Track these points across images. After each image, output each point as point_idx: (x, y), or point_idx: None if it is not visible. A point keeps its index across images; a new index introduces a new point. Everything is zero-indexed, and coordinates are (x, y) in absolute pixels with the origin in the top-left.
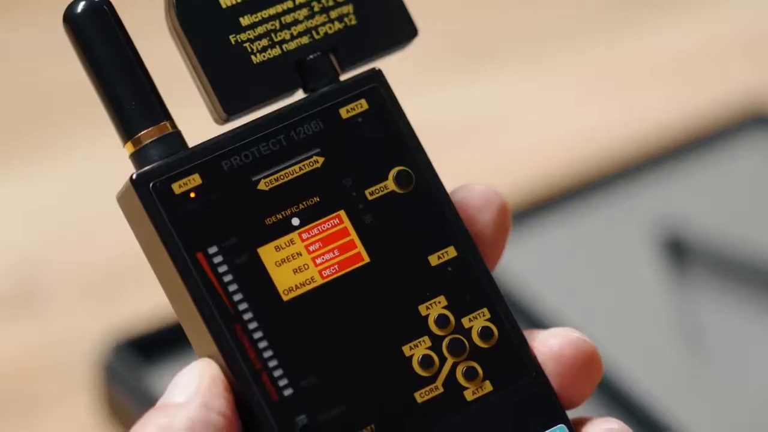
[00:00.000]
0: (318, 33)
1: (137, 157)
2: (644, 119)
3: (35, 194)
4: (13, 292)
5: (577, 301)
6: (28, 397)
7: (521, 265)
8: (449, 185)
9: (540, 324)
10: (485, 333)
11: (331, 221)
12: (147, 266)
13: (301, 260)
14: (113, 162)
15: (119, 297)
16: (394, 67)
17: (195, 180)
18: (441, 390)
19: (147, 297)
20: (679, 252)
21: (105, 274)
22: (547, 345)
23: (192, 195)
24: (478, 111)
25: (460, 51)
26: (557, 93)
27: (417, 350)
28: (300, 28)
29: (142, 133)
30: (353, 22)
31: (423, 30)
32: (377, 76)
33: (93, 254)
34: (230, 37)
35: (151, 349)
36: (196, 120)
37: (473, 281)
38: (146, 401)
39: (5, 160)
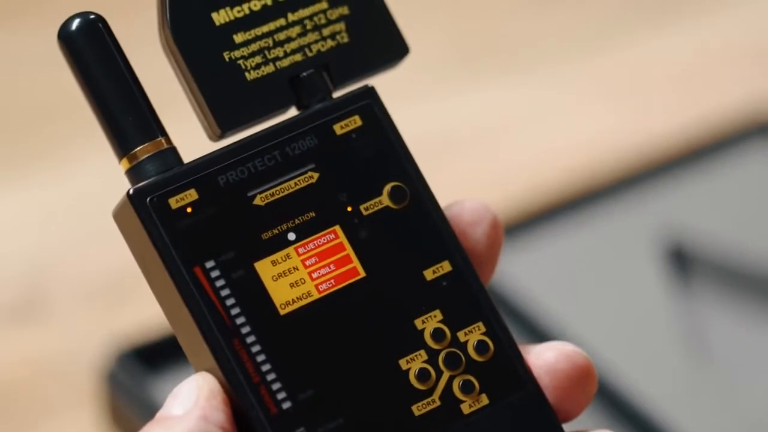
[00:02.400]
0: (311, 50)
1: (133, 173)
2: (647, 128)
3: (40, 203)
4: (17, 301)
5: (581, 310)
6: (31, 406)
7: (525, 275)
8: (453, 195)
9: (543, 334)
10: (481, 346)
11: (327, 236)
12: None
13: (298, 274)
14: (118, 171)
15: (123, 306)
16: (393, 74)
17: (191, 195)
18: (438, 403)
19: (150, 306)
20: (683, 261)
21: (109, 283)
22: (543, 358)
23: (189, 210)
24: (480, 119)
25: (462, 58)
26: (560, 101)
27: (413, 364)
28: (293, 45)
29: (138, 149)
30: (345, 39)
31: (424, 37)
32: (370, 92)
33: (97, 263)
34: (224, 54)
35: (154, 359)
36: (190, 136)
37: (468, 295)
38: (149, 410)
39: (10, 168)
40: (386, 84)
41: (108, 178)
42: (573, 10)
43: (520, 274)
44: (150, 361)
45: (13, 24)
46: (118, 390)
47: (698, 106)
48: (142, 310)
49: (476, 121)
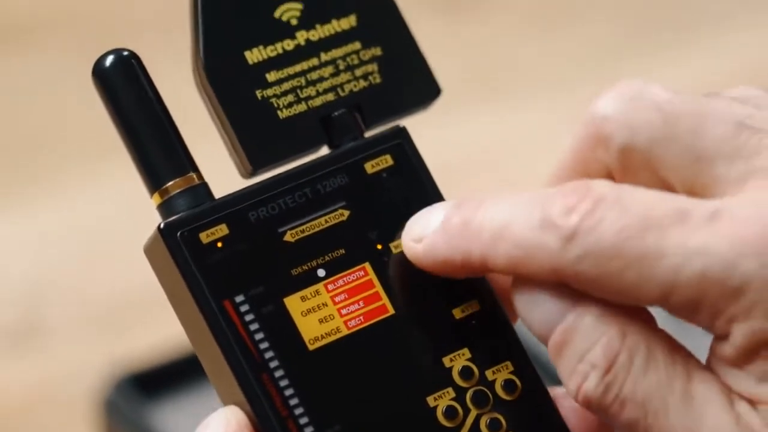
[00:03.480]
0: (343, 90)
1: (164, 208)
2: None
3: (39, 227)
4: (16, 326)
5: None
6: (29, 431)
7: None
8: None
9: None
10: (509, 385)
11: (357, 273)
12: (150, 301)
13: (327, 311)
14: (118, 195)
15: (122, 332)
16: None
17: (222, 230)
18: None
19: (149, 332)
20: None
21: (108, 308)
22: (571, 400)
23: (219, 245)
24: (480, 147)
25: (461, 86)
26: (559, 130)
27: (441, 401)
28: (325, 85)
29: (169, 184)
30: (378, 80)
31: (433, 65)
32: (402, 132)
33: (96, 288)
34: (257, 92)
35: (152, 386)
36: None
37: (497, 335)
38: None
39: (10, 192)
40: None
41: (109, 202)
42: (573, 37)
43: None
44: (148, 388)
45: (10, 50)
46: (116, 417)
47: None
48: (141, 337)
49: (474, 149)
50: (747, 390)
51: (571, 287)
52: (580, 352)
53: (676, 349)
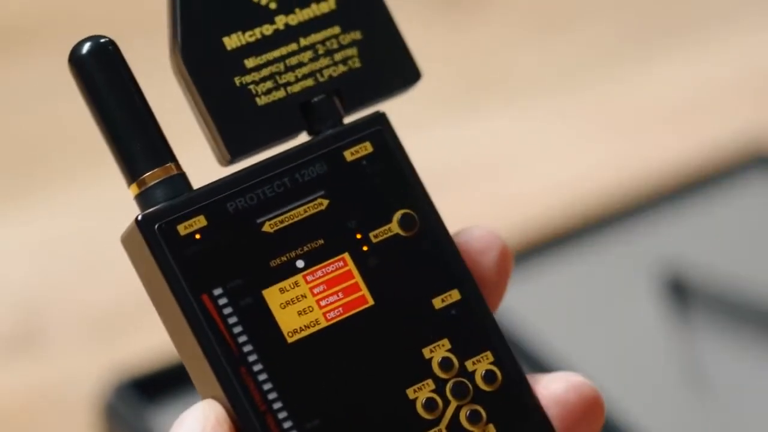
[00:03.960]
0: (322, 75)
1: (142, 199)
2: (645, 159)
3: (37, 233)
4: (14, 332)
5: (579, 342)
6: None
7: (523, 307)
8: (453, 225)
9: (542, 366)
10: (489, 376)
11: (336, 264)
12: (149, 306)
13: (306, 302)
14: (116, 202)
15: (121, 337)
16: (394, 107)
17: (200, 222)
18: None
19: (149, 337)
20: (681, 292)
21: (107, 313)
22: (551, 389)
23: (197, 237)
24: (480, 151)
25: (461, 90)
26: (559, 132)
27: (421, 393)
28: (304, 70)
29: (147, 174)
30: (357, 65)
31: (423, 69)
32: (381, 119)
33: (95, 294)
34: (235, 79)
35: (153, 389)
36: (200, 162)
37: (477, 324)
38: None
39: (6, 198)
40: (388, 116)
41: (106, 208)
42: (573, 41)
43: (519, 306)
44: (148, 392)
45: (9, 57)
46: (116, 421)
47: (697, 138)
48: (141, 341)
49: (474, 153)
50: None
51: None
52: None
53: None
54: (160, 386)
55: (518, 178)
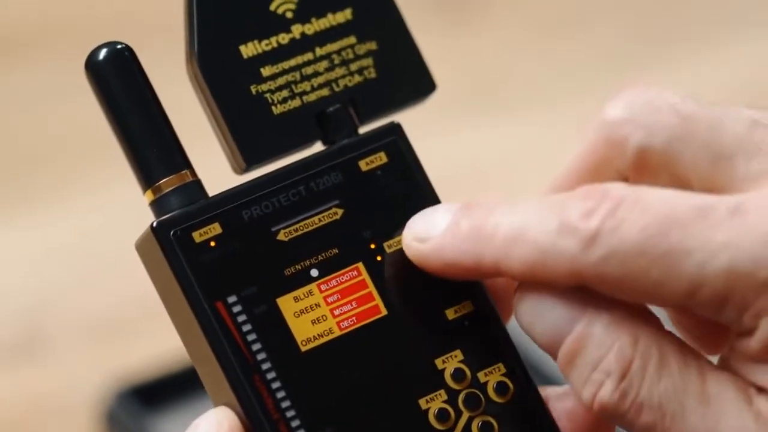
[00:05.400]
0: (338, 85)
1: (157, 206)
2: None
3: (38, 240)
4: (16, 339)
5: None
6: None
7: None
8: None
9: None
10: (501, 388)
11: (350, 273)
12: (150, 313)
13: (320, 311)
14: (117, 209)
15: (122, 344)
16: (402, 114)
17: (215, 229)
18: None
19: (150, 344)
20: None
21: (108, 321)
22: (563, 402)
23: (212, 244)
24: (479, 157)
25: (460, 96)
26: (559, 138)
27: (433, 404)
28: (320, 80)
29: (163, 181)
30: (373, 75)
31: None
32: (396, 129)
33: (96, 301)
34: (251, 87)
35: (153, 397)
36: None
37: (489, 336)
38: None
39: (8, 205)
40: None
41: (107, 216)
42: (571, 49)
43: None
44: (149, 399)
45: (10, 62)
46: (117, 429)
47: None
48: (141, 349)
49: (471, 160)
50: None
51: (586, 292)
52: (594, 361)
53: (687, 350)
54: (160, 393)
55: (517, 185)
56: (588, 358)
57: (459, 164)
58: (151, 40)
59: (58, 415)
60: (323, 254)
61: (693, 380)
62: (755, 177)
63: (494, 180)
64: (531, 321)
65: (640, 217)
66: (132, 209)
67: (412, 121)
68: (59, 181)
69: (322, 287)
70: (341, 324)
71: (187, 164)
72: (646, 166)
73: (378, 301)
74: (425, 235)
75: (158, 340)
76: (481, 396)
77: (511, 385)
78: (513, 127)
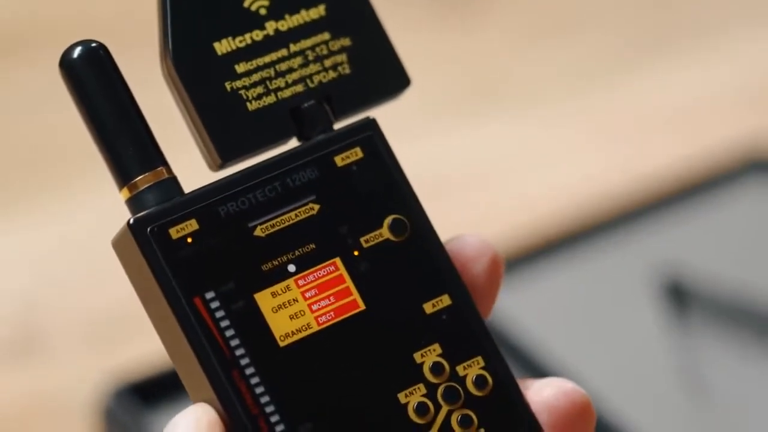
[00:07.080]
0: (312, 81)
1: (133, 203)
2: (644, 165)
3: (36, 240)
4: (14, 338)
5: (578, 346)
6: None
7: (521, 311)
8: (451, 232)
9: (540, 370)
10: (480, 381)
11: (327, 268)
12: None
13: (297, 306)
14: (115, 208)
15: (120, 342)
16: (385, 113)
17: (192, 225)
18: None
19: (147, 342)
20: (680, 297)
21: (106, 319)
22: (541, 395)
23: (189, 240)
24: (478, 157)
25: (459, 96)
26: (557, 139)
27: (412, 398)
28: (295, 76)
29: (138, 178)
30: (347, 71)
31: (421, 76)
32: (372, 124)
33: (94, 300)
34: (225, 84)
35: (151, 395)
36: (191, 166)
37: (468, 329)
38: None
39: (6, 206)
40: (383, 122)
41: (105, 215)
42: (569, 50)
43: (517, 310)
44: (146, 397)
45: (8, 65)
46: (115, 426)
47: (694, 144)
48: (139, 347)
49: (474, 159)
50: None
51: None
52: None
53: None
54: (158, 391)
55: (518, 184)
56: None
57: (458, 164)
58: (151, 40)
59: (56, 413)
60: (300, 249)
61: None
62: None
63: (493, 180)
64: None
65: None
66: (127, 210)
67: (412, 121)
68: (59, 181)
69: (300, 282)
70: (319, 319)
71: (162, 161)
72: None
73: (356, 295)
74: None
75: (155, 339)
76: (460, 389)
77: (489, 379)
78: (513, 127)
